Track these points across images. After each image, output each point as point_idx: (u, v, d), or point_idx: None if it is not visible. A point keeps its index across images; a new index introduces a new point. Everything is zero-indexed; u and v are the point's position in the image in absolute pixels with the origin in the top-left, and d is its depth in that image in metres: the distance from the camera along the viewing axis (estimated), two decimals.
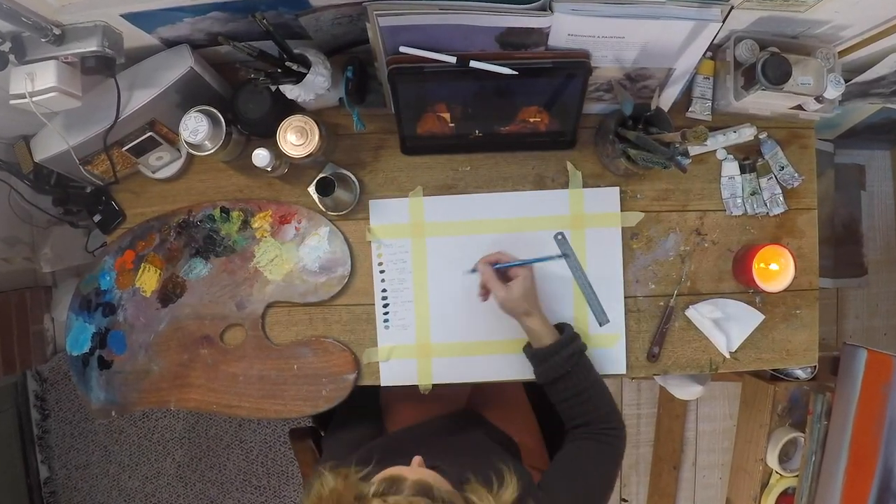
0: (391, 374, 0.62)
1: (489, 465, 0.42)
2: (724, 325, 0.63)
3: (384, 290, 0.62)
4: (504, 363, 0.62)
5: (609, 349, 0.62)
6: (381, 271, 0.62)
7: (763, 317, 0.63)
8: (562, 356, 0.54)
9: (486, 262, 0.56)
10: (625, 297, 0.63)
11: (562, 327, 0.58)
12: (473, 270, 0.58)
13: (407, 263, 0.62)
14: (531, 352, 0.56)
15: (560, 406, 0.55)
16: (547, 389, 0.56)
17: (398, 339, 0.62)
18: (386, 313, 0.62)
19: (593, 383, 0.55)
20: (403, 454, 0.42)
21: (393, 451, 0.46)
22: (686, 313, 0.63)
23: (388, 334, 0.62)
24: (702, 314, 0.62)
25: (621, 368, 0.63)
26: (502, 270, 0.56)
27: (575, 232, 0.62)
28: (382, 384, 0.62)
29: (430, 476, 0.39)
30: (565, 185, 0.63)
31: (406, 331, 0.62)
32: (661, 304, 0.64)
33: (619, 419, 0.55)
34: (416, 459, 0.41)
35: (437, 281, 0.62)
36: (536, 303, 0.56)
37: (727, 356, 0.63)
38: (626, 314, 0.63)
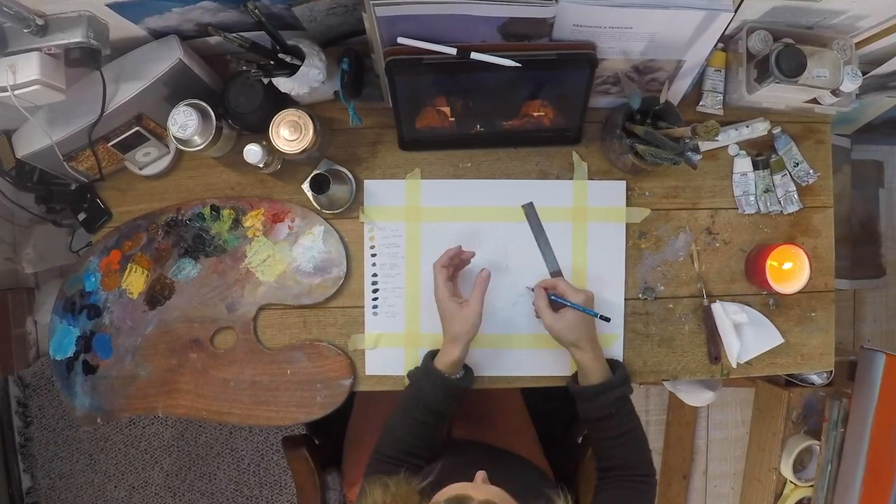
0: (377, 363, 0.60)
1: (539, 493, 0.40)
2: (744, 332, 0.60)
3: (374, 275, 0.60)
4: (495, 358, 0.60)
5: (605, 349, 0.60)
6: (373, 255, 0.60)
7: (783, 340, 0.61)
8: (608, 398, 0.52)
9: (544, 286, 0.55)
10: (632, 300, 0.61)
11: (614, 365, 0.56)
12: (531, 290, 0.57)
13: (400, 248, 0.60)
14: (576, 389, 0.54)
15: (598, 444, 0.54)
16: (587, 426, 0.55)
17: (386, 326, 0.60)
18: (375, 299, 0.60)
19: (635, 426, 0.53)
20: (462, 470, 0.40)
21: (452, 467, 0.45)
22: (712, 306, 0.61)
23: (375, 321, 0.60)
24: (727, 312, 0.60)
25: None
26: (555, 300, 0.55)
27: (577, 225, 0.60)
28: (367, 373, 0.60)
29: (497, 496, 0.37)
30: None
31: (395, 318, 0.60)
32: (671, 306, 0.62)
33: (652, 466, 0.53)
34: (480, 475, 0.39)
35: (430, 268, 0.59)
36: (588, 336, 0.53)
37: (734, 365, 0.60)
38: (633, 316, 0.61)
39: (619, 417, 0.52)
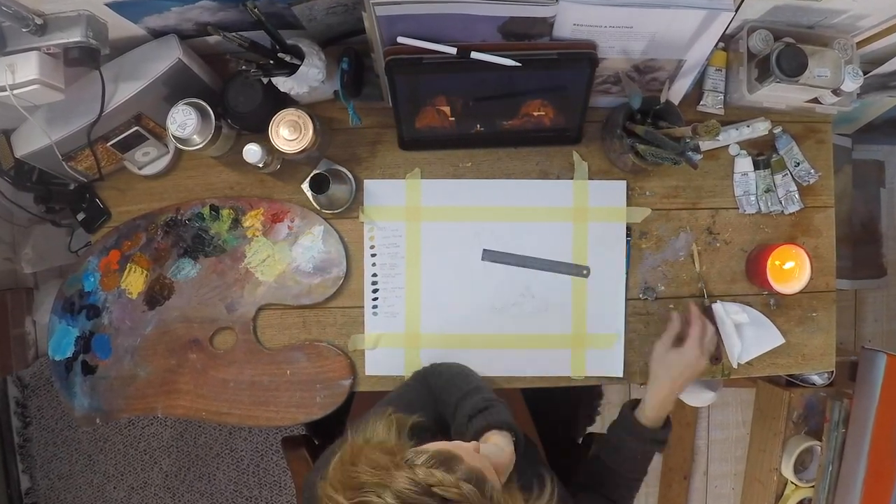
0: (377, 363, 0.60)
1: (531, 470, 0.40)
2: (744, 332, 0.60)
3: (374, 275, 0.60)
4: (495, 358, 0.60)
5: (606, 349, 0.60)
6: (373, 255, 0.60)
7: (783, 340, 0.61)
8: (642, 445, 0.52)
9: (700, 318, 0.54)
10: (633, 300, 0.61)
11: (666, 422, 0.55)
12: (709, 305, 0.58)
13: (400, 248, 0.60)
14: (627, 414, 0.53)
15: (595, 461, 0.54)
16: (601, 442, 0.54)
17: (386, 326, 0.60)
18: (375, 299, 0.60)
19: (638, 478, 0.53)
20: None
21: None
22: (713, 306, 0.61)
23: (375, 321, 0.60)
24: (727, 312, 0.60)
25: (618, 371, 0.61)
26: (681, 335, 0.54)
27: (577, 225, 0.60)
28: (367, 374, 0.60)
29: (487, 468, 0.36)
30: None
31: (395, 319, 0.60)
32: (672, 306, 0.62)
33: None
34: (473, 445, 0.38)
35: (430, 268, 0.60)
36: (669, 384, 0.52)
37: (734, 366, 0.60)
38: (634, 317, 0.61)
39: (637, 464, 0.52)
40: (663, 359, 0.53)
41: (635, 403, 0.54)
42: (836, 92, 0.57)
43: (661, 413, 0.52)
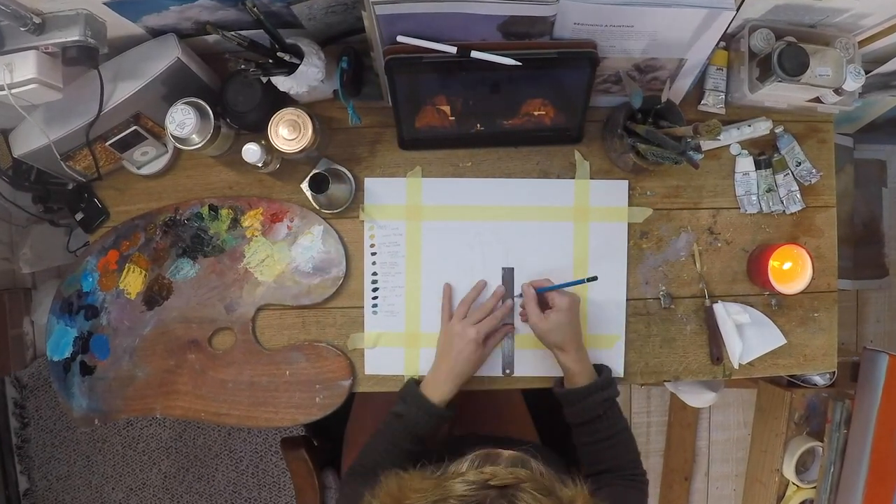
0: (376, 362, 0.60)
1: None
2: (746, 332, 0.60)
3: (374, 274, 0.60)
4: (494, 358, 0.60)
5: (607, 350, 0.60)
6: (373, 253, 0.60)
7: (785, 341, 0.61)
8: (593, 400, 0.52)
9: (532, 284, 0.56)
10: (634, 300, 0.61)
11: (599, 369, 0.55)
12: (520, 295, 0.58)
13: (400, 247, 0.60)
14: (561, 392, 0.54)
15: (587, 448, 0.54)
16: (574, 430, 0.54)
17: (386, 325, 0.60)
18: (375, 297, 0.60)
19: (625, 427, 0.53)
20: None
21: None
22: (714, 307, 0.60)
23: (375, 320, 0.60)
24: (729, 313, 0.60)
25: (618, 372, 0.60)
26: (546, 300, 0.55)
27: (578, 225, 0.60)
28: (367, 373, 0.60)
29: (522, 459, 0.37)
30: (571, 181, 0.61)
31: (395, 318, 0.60)
32: (672, 306, 0.61)
33: (642, 467, 0.53)
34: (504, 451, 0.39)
35: (430, 267, 0.60)
36: (572, 340, 0.53)
37: (735, 366, 0.60)
38: (634, 317, 0.61)
39: (609, 419, 0.52)
40: (547, 327, 0.53)
41: (558, 382, 0.55)
42: (838, 91, 0.57)
43: (584, 368, 0.53)
